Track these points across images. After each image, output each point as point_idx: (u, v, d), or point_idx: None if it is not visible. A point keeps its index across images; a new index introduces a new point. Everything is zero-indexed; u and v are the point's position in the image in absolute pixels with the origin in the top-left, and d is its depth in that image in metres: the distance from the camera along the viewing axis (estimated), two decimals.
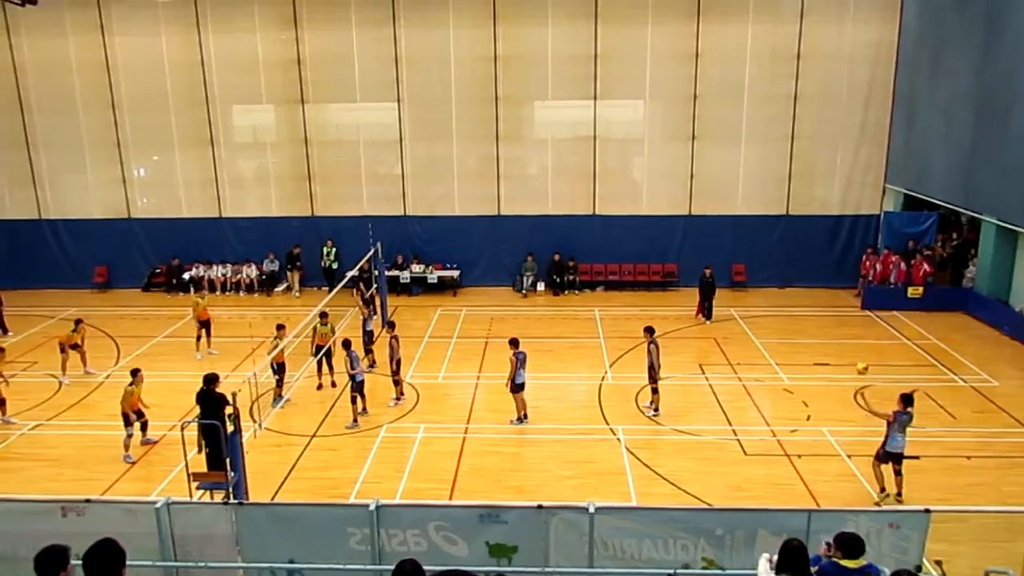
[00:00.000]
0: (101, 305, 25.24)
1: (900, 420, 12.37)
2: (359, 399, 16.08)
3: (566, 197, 25.94)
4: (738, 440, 15.12)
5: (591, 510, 7.94)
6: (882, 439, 12.61)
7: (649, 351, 16.11)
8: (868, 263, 24.27)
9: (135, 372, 15.16)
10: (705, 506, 11.79)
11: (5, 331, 22.18)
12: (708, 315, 22.61)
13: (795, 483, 13.46)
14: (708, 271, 22.60)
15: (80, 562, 5.37)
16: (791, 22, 24.33)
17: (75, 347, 18.87)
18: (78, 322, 19.11)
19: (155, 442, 15.13)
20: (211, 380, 12.88)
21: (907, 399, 12.46)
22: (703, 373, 18.55)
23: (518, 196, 26.03)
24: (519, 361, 15.72)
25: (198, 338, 20.04)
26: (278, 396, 16.55)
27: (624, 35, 24.70)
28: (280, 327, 16.69)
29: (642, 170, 26.05)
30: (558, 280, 25.71)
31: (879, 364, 18.34)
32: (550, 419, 16.15)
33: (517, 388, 15.75)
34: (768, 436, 15.26)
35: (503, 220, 26.10)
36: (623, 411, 16.49)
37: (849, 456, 14.24)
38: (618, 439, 15.23)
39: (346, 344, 16.15)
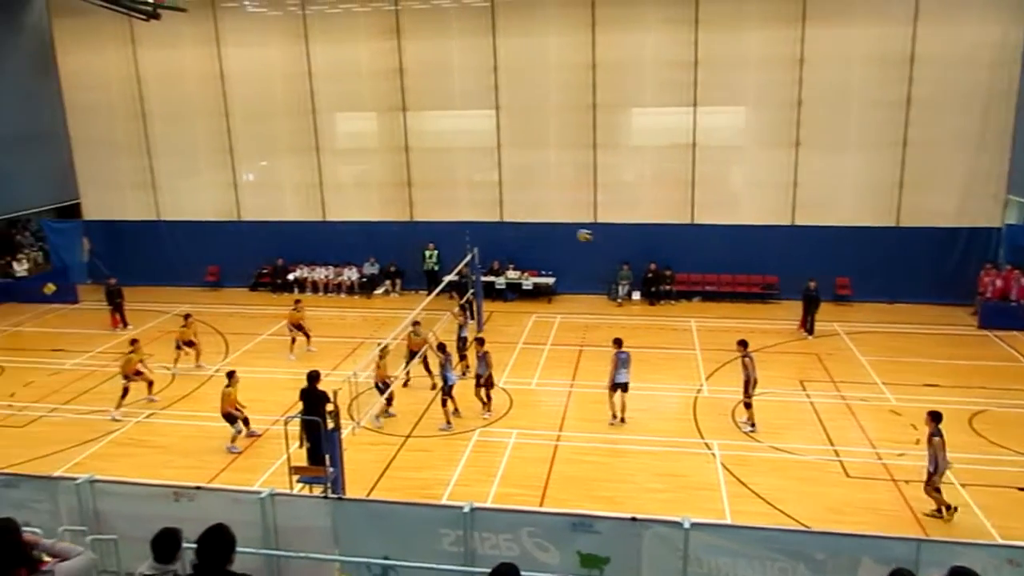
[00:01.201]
0: (212, 303, 26.40)
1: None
2: (450, 402, 16.30)
3: (662, 205, 25.54)
4: (840, 461, 14.53)
5: (686, 525, 7.76)
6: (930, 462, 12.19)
7: (745, 365, 15.73)
8: (987, 279, 22.92)
9: (231, 374, 15.63)
10: (805, 528, 11.37)
11: (125, 324, 23.43)
12: (811, 330, 21.86)
13: (901, 510, 12.84)
14: (813, 284, 21.85)
15: (191, 545, 5.62)
16: (902, 24, 23.28)
17: (190, 344, 19.63)
18: (187, 316, 19.93)
19: (259, 435, 15.67)
20: (314, 378, 13.26)
21: (441, 346, 14.75)
22: (804, 390, 17.94)
23: (614, 203, 25.81)
24: (620, 361, 15.82)
25: (292, 340, 20.61)
26: (384, 412, 16.56)
27: (724, 40, 24.18)
28: (383, 349, 16.49)
29: (741, 178, 25.46)
30: (653, 289, 25.38)
31: (996, 388, 17.34)
32: (643, 430, 15.94)
33: (615, 387, 15.87)
34: (872, 459, 14.62)
35: (599, 227, 25.42)
36: (719, 425, 16.10)
37: (963, 485, 13.40)
38: (713, 454, 14.88)
39: (441, 347, 16.49)
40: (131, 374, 17.42)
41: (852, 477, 13.95)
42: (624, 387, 16.13)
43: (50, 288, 25.84)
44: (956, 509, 12.41)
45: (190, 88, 27.30)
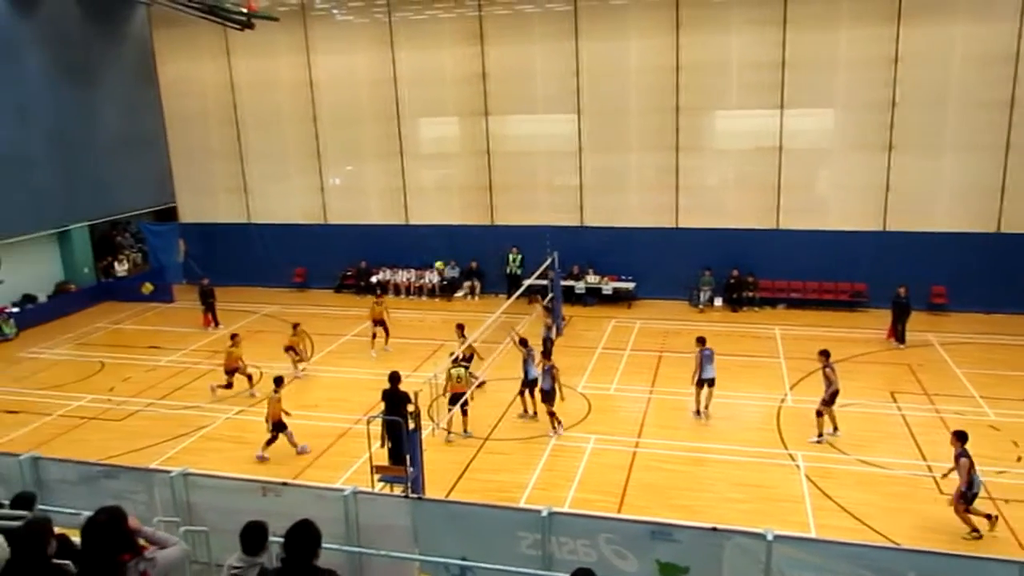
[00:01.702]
0: (298, 303, 27.06)
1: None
2: (527, 396, 16.38)
3: (747, 210, 25.02)
4: (933, 477, 13.87)
5: (769, 537, 7.55)
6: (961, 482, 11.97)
7: (827, 376, 15.32)
8: None
9: (279, 380, 15.44)
10: (896, 546, 10.95)
11: (216, 324, 24.17)
12: (901, 339, 21.07)
13: (1000, 530, 12.21)
14: (903, 291, 21.06)
15: (277, 539, 5.79)
16: (1007, 20, 22.18)
17: (292, 350, 19.75)
18: (295, 326, 20.10)
19: (307, 451, 15.39)
20: (396, 379, 13.44)
21: (523, 341, 14.95)
22: (894, 401, 17.26)
23: (696, 208, 25.43)
24: (704, 358, 15.99)
25: (373, 336, 21.07)
26: (465, 430, 16.01)
27: (814, 40, 23.54)
28: (467, 365, 16.17)
29: (830, 182, 24.71)
30: (736, 296, 24.89)
31: None
32: (724, 439, 15.62)
33: (702, 383, 16.20)
34: None
35: (680, 232, 25.58)
36: (803, 436, 15.63)
37: None
38: (797, 465, 14.47)
39: (523, 342, 16.65)
40: (232, 369, 18.13)
41: (947, 494, 13.30)
42: (711, 382, 16.32)
43: (148, 288, 27.00)
44: (996, 519, 12.19)
45: (281, 95, 28.15)
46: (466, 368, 16.05)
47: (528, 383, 16.41)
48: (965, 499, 12.01)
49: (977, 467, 12.03)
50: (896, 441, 15.39)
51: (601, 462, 14.77)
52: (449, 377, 15.72)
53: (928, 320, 22.75)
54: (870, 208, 24.04)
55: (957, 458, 12.00)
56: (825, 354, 15.55)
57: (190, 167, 29.93)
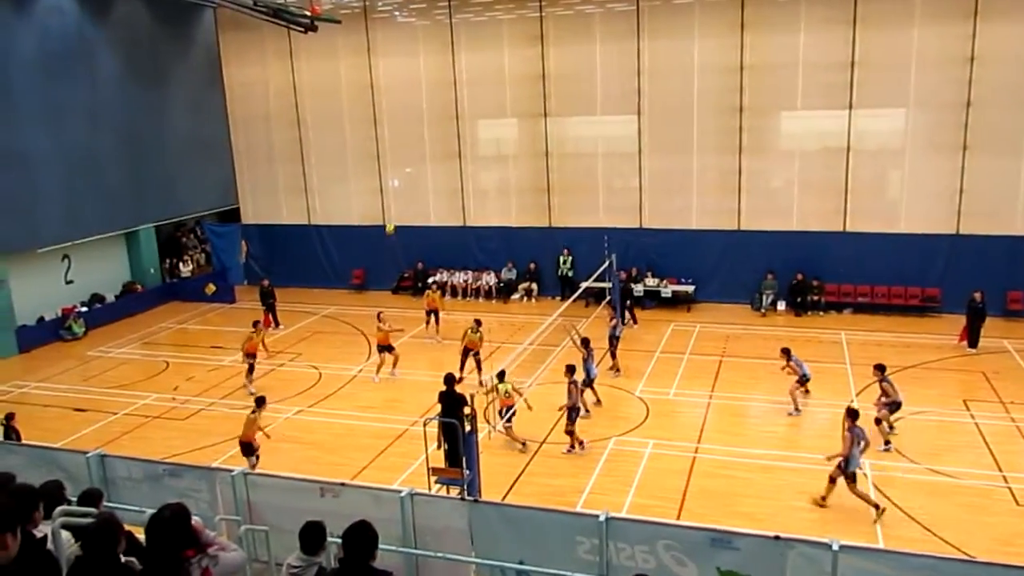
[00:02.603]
0: (356, 304, 27.28)
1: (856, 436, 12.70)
2: (590, 392, 16.55)
3: (812, 212, 24.40)
4: (1009, 488, 13.32)
5: (835, 547, 7.30)
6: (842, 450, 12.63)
7: (884, 390, 15.06)
8: None
9: (260, 401, 14.78)
10: (970, 558, 10.48)
11: (277, 324, 24.47)
12: (973, 343, 20.30)
13: None
14: (978, 295, 20.31)
15: (335, 539, 5.77)
16: None
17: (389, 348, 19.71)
18: (378, 314, 20.25)
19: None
20: (451, 381, 13.39)
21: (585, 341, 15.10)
22: (967, 410, 16.61)
23: (760, 210, 24.87)
24: (798, 364, 16.85)
25: (427, 323, 21.81)
26: (520, 442, 15.56)
27: (886, 39, 22.83)
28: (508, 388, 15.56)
29: (901, 184, 23.88)
30: (800, 300, 24.30)
31: None
32: (788, 446, 15.28)
33: (803, 381, 16.89)
34: None
35: (743, 235, 25.06)
36: (871, 444, 15.07)
37: None
38: (864, 474, 13.97)
39: (584, 342, 16.77)
40: (251, 352, 18.82)
41: (1022, 505, 12.75)
42: (806, 379, 17.03)
43: (211, 288, 27.47)
44: (884, 510, 12.53)
45: (342, 97, 28.45)
46: (502, 380, 15.49)
47: (589, 381, 16.50)
48: (844, 473, 12.54)
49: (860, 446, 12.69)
50: (970, 451, 14.83)
51: (660, 467, 14.55)
52: (497, 392, 15.49)
53: (1004, 326, 21.86)
54: (943, 211, 23.22)
55: (845, 432, 12.78)
56: (880, 368, 15.31)
57: (253, 169, 30.40)
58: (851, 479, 12.59)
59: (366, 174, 28.83)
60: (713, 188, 25.23)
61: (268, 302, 24.45)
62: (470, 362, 18.80)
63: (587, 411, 16.59)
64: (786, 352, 17.03)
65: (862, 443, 12.88)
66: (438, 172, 28.02)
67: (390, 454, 15.47)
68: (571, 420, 15.08)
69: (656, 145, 25.51)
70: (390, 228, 19.44)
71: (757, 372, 18.85)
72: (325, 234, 29.63)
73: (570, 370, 15.37)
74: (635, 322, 23.24)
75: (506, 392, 15.42)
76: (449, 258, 28.14)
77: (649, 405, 17.37)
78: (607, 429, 16.11)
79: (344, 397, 18.57)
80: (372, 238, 28.35)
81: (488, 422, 15.74)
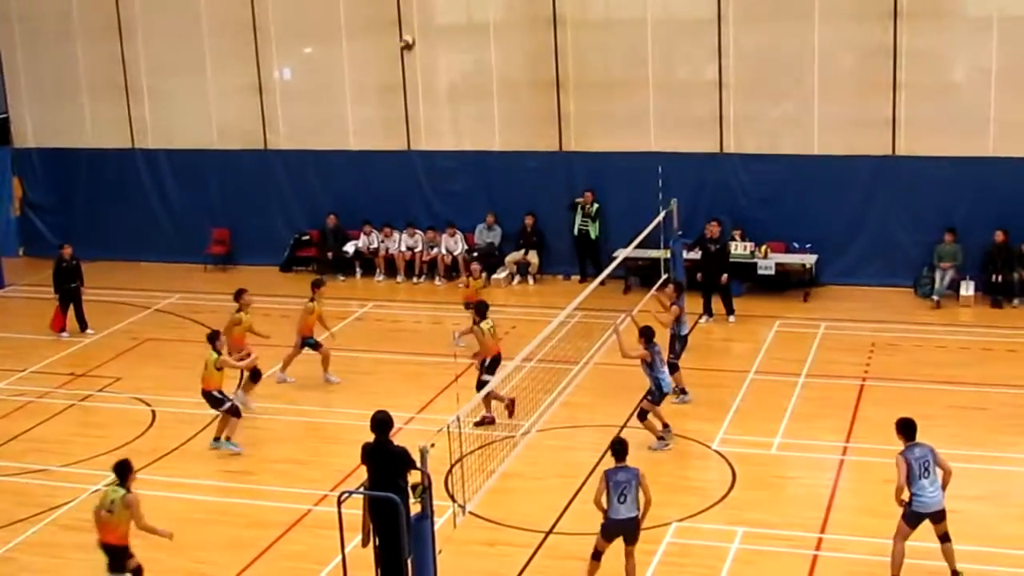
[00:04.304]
0: (216, 290, 20.02)
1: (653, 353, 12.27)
2: (657, 412, 13.34)
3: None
4: None
5: None
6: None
7: None
8: None
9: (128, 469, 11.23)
10: None
11: (84, 327, 18.45)
12: None
13: None
14: None
15: None
16: None
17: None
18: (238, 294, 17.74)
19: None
20: (386, 426, 9.10)
21: (648, 332, 13.06)
22: None
23: (930, 122, 17.73)
24: None
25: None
26: (505, 403, 14.09)
27: None
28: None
29: None
30: (1000, 279, 17.76)
31: None
32: (979, 533, 10.62)
33: None
34: None
35: (901, 165, 17.92)
36: None
37: None
38: None
39: (645, 332, 13.51)
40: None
41: None
42: None
43: None
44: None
45: None
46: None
47: (659, 397, 13.22)
48: (653, 397, 12.21)
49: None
50: None
51: (754, 570, 10.48)
52: (479, 334, 13.60)
53: None
54: None
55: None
56: None
57: (33, 53, 22.20)
58: (655, 401, 12.35)
59: (235, 60, 20.97)
60: (848, 81, 18.43)
61: (67, 287, 17.89)
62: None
63: (662, 439, 13.42)
64: None
65: None
66: (362, 54, 20.64)
67: (278, 555, 10.90)
68: (653, 400, 12.82)
69: (749, 7, 18.45)
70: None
71: (928, 406, 14.28)
72: (163, 167, 21.71)
73: (646, 334, 12.66)
74: (729, 313, 17.52)
75: (490, 330, 13.63)
76: (383, 209, 20.63)
77: (736, 466, 13.30)
78: (664, 506, 11.48)
79: (198, 454, 14.18)
80: (247, 173, 20.95)
81: (453, 498, 10.46)
